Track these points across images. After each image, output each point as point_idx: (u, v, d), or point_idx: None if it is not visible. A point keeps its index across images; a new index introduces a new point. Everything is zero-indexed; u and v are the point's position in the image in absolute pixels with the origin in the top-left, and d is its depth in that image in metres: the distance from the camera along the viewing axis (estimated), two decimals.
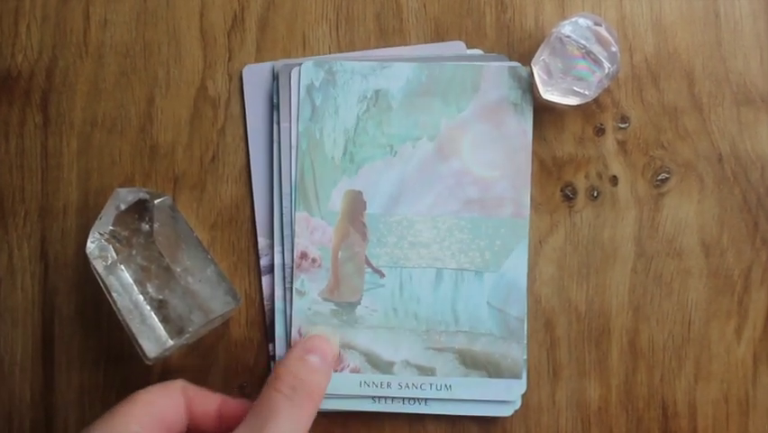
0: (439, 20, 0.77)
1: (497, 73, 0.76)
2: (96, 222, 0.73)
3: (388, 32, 0.78)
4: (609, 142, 0.77)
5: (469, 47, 0.77)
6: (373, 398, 0.76)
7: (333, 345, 0.73)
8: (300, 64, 0.76)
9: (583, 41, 0.72)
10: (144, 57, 0.78)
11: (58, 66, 0.78)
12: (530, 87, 0.76)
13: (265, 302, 0.77)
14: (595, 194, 0.77)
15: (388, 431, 0.78)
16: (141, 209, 0.73)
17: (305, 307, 0.76)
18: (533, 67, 0.75)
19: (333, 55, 0.77)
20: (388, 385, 0.76)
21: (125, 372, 0.78)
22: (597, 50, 0.72)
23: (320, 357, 0.70)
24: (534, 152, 0.77)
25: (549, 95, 0.75)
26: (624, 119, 0.77)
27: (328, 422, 0.77)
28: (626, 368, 0.77)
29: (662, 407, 0.77)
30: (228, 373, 0.78)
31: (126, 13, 0.78)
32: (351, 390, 0.76)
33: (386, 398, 0.76)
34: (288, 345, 0.76)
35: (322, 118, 0.76)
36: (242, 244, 0.78)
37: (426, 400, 0.76)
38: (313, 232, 0.76)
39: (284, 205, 0.76)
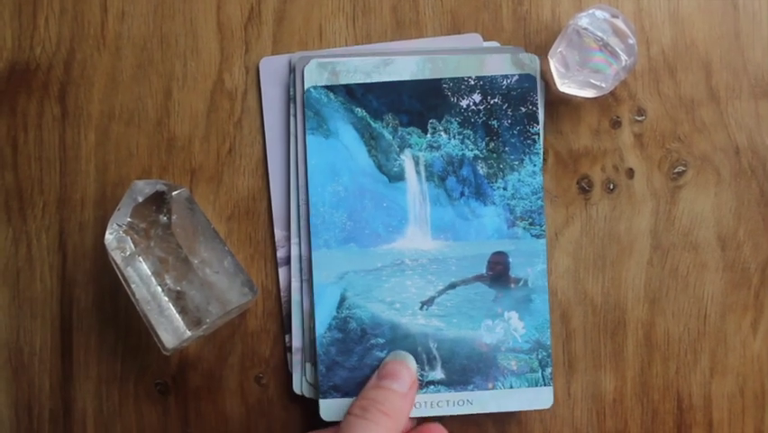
0: (455, 12, 0.77)
1: (499, 62, 0.76)
2: (114, 213, 0.73)
3: (405, 25, 0.78)
4: (626, 134, 0.77)
5: (485, 39, 0.77)
6: None
7: (410, 369, 0.73)
8: (316, 57, 0.76)
9: (600, 34, 0.72)
10: (161, 50, 0.78)
11: (76, 58, 0.78)
12: (535, 72, 0.76)
13: (282, 294, 0.78)
14: (611, 187, 0.77)
15: None
16: (158, 201, 0.74)
17: None
18: (549, 59, 0.75)
19: (342, 49, 0.77)
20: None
21: (143, 362, 0.78)
22: (614, 42, 0.72)
23: (395, 381, 0.71)
24: (550, 145, 0.77)
25: (565, 87, 0.75)
26: (640, 112, 0.77)
27: None
28: (642, 361, 0.77)
29: (677, 400, 0.77)
30: (245, 364, 0.78)
31: (144, 6, 0.78)
32: None
33: None
34: (305, 336, 0.76)
35: None
36: (259, 235, 0.78)
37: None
38: None
39: (300, 197, 0.77)
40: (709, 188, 0.77)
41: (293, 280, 0.77)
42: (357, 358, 0.76)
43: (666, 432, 0.77)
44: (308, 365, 0.76)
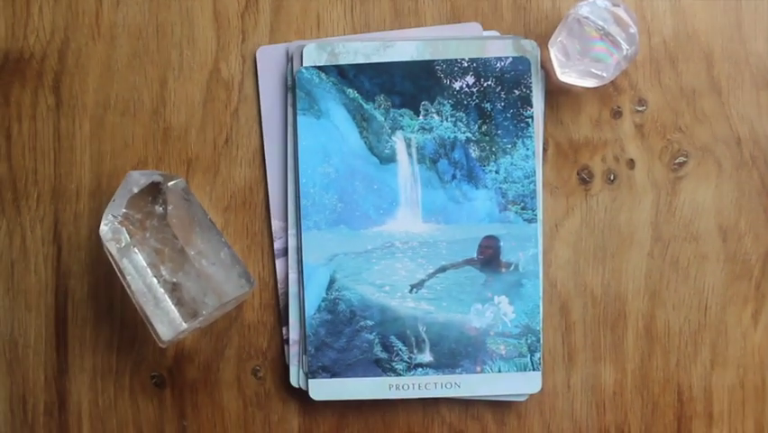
0: (455, 1, 0.77)
1: (500, 48, 0.75)
2: (110, 204, 0.73)
3: (404, 13, 0.77)
4: (626, 125, 0.76)
5: (485, 28, 0.77)
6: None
7: None
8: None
9: (601, 23, 0.71)
10: (157, 38, 0.77)
11: (70, 47, 0.77)
12: (536, 60, 0.75)
13: (279, 285, 0.77)
14: (612, 177, 0.76)
15: (402, 415, 0.78)
16: (154, 192, 0.73)
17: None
18: (550, 48, 0.74)
19: (340, 38, 0.77)
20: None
21: (139, 354, 0.78)
22: (615, 31, 0.71)
23: None
24: (550, 135, 0.76)
25: (566, 76, 0.74)
26: (641, 102, 0.76)
27: (342, 406, 0.77)
28: (642, 353, 0.77)
29: (677, 392, 0.77)
30: (241, 357, 0.78)
31: None
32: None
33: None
34: (302, 328, 0.76)
35: None
36: (256, 226, 0.77)
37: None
38: None
39: (291, 179, 0.76)
40: (710, 178, 0.76)
41: (290, 271, 0.77)
42: (346, 340, 0.75)
43: (666, 425, 0.77)
44: (305, 357, 0.76)
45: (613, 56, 0.72)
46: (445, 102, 0.75)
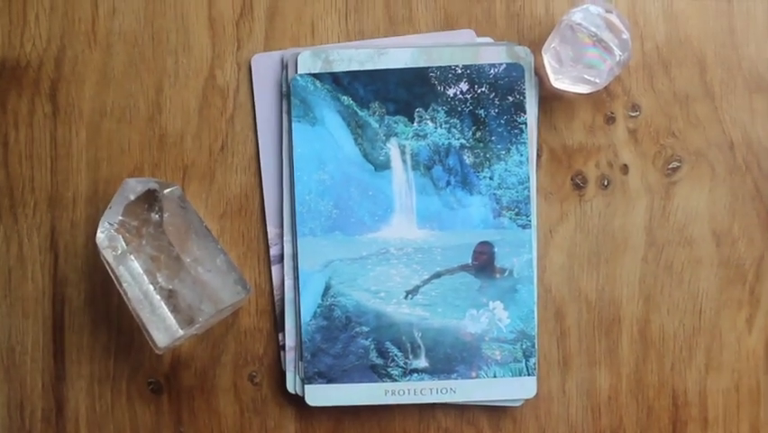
0: (449, 8, 0.77)
1: (494, 54, 0.76)
2: (106, 212, 0.73)
3: (398, 21, 0.77)
4: (620, 130, 0.77)
5: (479, 35, 0.77)
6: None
7: None
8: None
9: (594, 29, 0.72)
10: (153, 46, 0.78)
11: (66, 55, 0.78)
12: (529, 66, 0.76)
13: (275, 292, 0.77)
14: (605, 183, 0.76)
15: (398, 420, 0.78)
16: (150, 199, 0.73)
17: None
18: (543, 54, 0.74)
19: (335, 45, 0.77)
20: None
21: (135, 361, 0.78)
22: (608, 37, 0.72)
23: None
24: (543, 141, 0.77)
25: (559, 83, 0.74)
26: (634, 107, 0.76)
27: (338, 412, 0.77)
28: (637, 357, 0.77)
29: (672, 396, 0.77)
30: (238, 363, 0.78)
31: (134, 2, 0.77)
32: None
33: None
34: (298, 334, 0.76)
35: None
36: (252, 233, 0.78)
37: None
38: None
39: (286, 185, 0.76)
40: (704, 183, 0.76)
41: (286, 277, 0.77)
42: (341, 346, 0.76)
43: (661, 429, 0.77)
44: (301, 363, 0.76)
45: (606, 62, 0.72)
46: (439, 109, 0.75)
